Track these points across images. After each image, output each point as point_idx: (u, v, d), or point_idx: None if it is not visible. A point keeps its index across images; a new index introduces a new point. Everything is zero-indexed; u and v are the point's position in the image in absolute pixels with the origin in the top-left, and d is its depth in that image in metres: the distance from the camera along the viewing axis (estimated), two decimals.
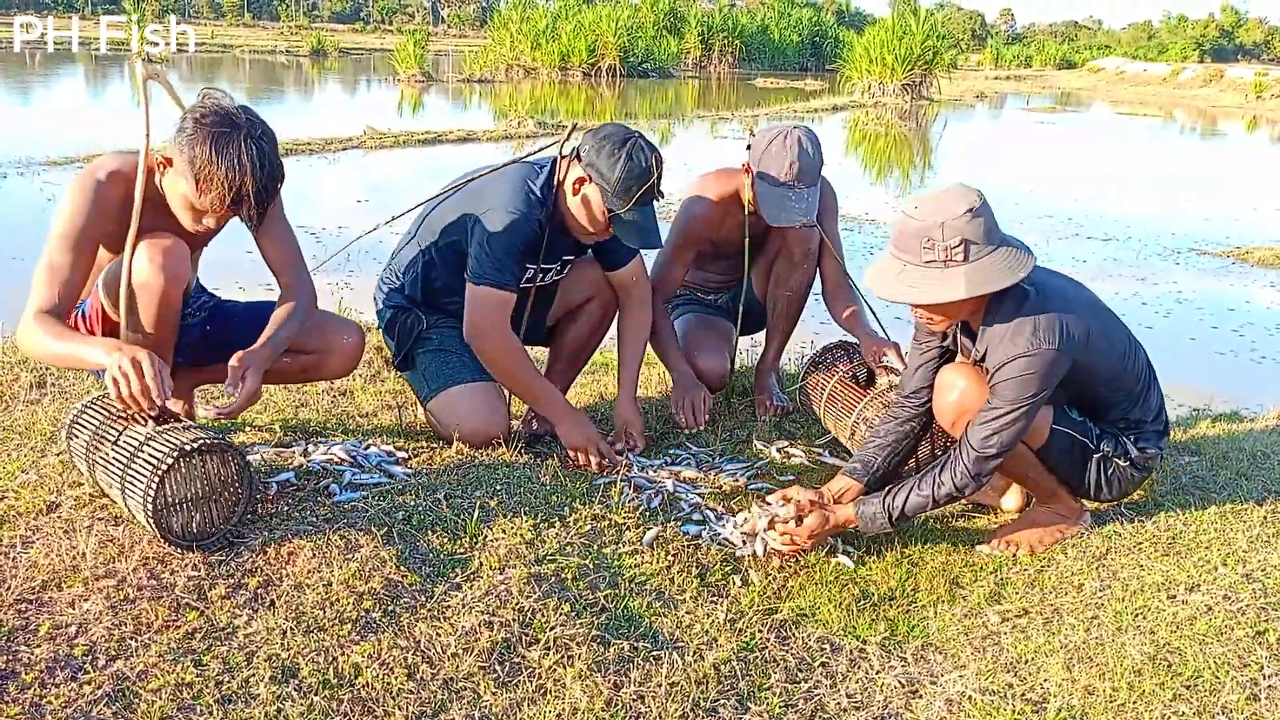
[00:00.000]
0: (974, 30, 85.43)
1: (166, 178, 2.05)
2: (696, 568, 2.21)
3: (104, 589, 1.78)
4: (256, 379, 2.12)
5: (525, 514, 2.22)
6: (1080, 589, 2.17)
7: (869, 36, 25.55)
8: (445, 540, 2.08)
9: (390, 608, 1.84)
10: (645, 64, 29.96)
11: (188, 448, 1.89)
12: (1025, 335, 2.09)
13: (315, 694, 1.62)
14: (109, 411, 2.03)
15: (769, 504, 2.38)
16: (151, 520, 1.86)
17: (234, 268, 4.38)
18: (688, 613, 2.03)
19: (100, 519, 1.99)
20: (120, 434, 1.97)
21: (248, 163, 1.96)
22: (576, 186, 2.57)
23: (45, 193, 7.38)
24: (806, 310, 3.30)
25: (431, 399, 2.68)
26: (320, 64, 30.24)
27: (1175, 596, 2.06)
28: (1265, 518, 2.40)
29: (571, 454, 2.67)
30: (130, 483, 1.89)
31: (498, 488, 2.33)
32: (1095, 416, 2.35)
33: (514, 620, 1.85)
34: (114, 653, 1.64)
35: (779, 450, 2.93)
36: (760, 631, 2.01)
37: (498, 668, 1.75)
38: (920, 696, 1.87)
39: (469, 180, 2.72)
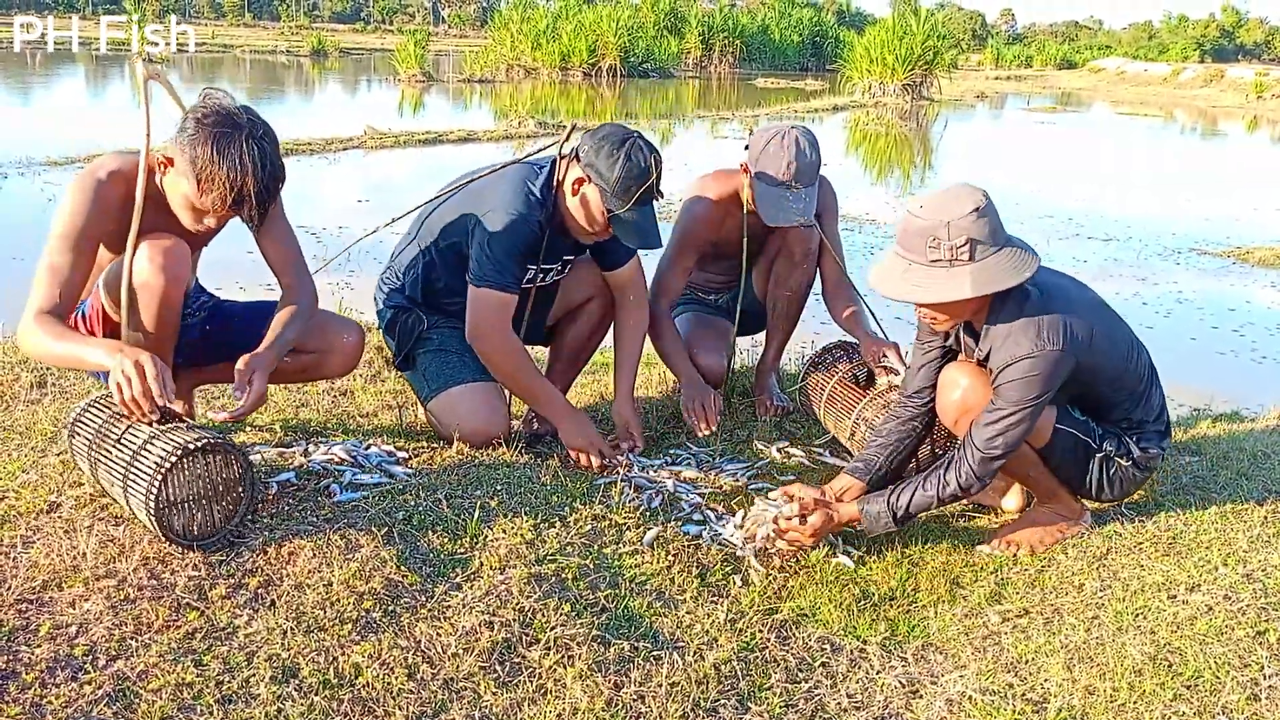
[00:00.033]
0: (974, 30, 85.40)
1: (168, 177, 2.05)
2: (697, 568, 2.21)
3: (104, 589, 1.78)
4: (263, 382, 2.13)
5: (525, 514, 2.22)
6: (1081, 589, 2.17)
7: (869, 36, 25.54)
8: (445, 540, 2.08)
9: (390, 608, 1.85)
10: (646, 64, 29.96)
11: (191, 446, 1.89)
12: (1030, 336, 2.09)
13: (315, 694, 1.62)
14: (112, 411, 2.03)
15: (772, 500, 2.38)
16: (153, 518, 1.86)
17: (234, 268, 4.39)
18: (688, 613, 2.03)
19: (101, 519, 1.99)
20: (123, 432, 1.97)
21: (249, 163, 1.96)
22: (575, 187, 2.57)
23: (45, 193, 7.38)
24: (806, 310, 3.30)
25: (432, 399, 2.68)
26: (321, 64, 30.25)
27: (1176, 596, 2.06)
28: (1266, 518, 2.40)
29: (573, 455, 2.67)
30: (133, 481, 1.89)
31: (498, 488, 2.33)
32: (1097, 416, 2.35)
33: (514, 620, 1.85)
34: (114, 653, 1.64)
35: (779, 450, 2.93)
36: (760, 631, 2.01)
37: (498, 668, 1.75)
38: (920, 696, 1.87)
39: (469, 181, 2.72)
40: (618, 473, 2.60)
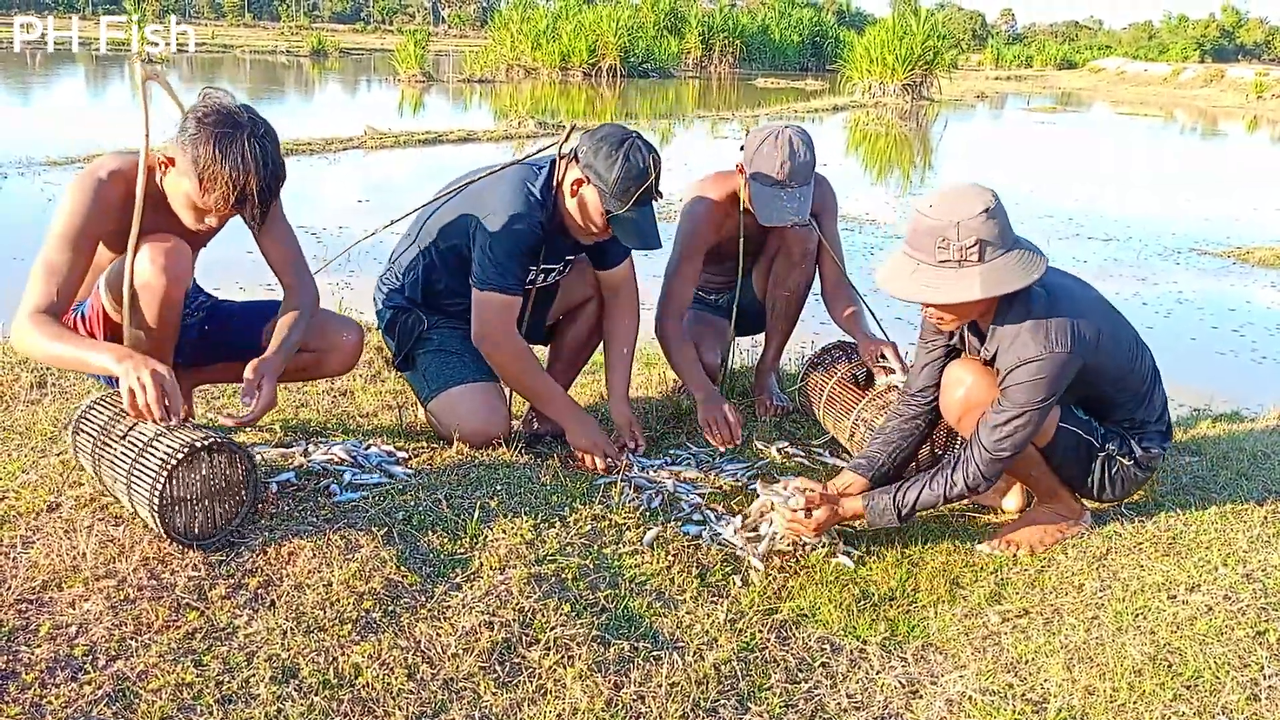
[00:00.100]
0: (974, 30, 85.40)
1: (169, 177, 2.05)
2: (696, 568, 2.21)
3: (104, 589, 1.78)
4: (272, 386, 2.15)
5: (525, 514, 2.22)
6: (1080, 589, 2.17)
7: (869, 37, 25.54)
8: (445, 540, 2.08)
9: (390, 608, 1.85)
10: (646, 64, 29.96)
11: (198, 445, 1.90)
12: (1038, 338, 2.09)
13: (315, 694, 1.62)
14: (117, 409, 2.03)
15: (776, 490, 2.38)
16: (156, 514, 1.86)
17: (234, 268, 4.39)
18: (688, 613, 2.03)
19: (100, 519, 1.99)
20: (129, 430, 1.97)
21: (251, 162, 1.96)
22: (574, 188, 2.57)
23: (45, 193, 7.38)
24: (806, 310, 3.30)
25: (432, 399, 2.68)
26: (321, 64, 30.25)
27: (1175, 597, 2.06)
28: (1265, 518, 2.40)
29: (578, 456, 2.67)
30: (137, 477, 1.89)
31: (498, 488, 2.33)
32: (1100, 416, 2.35)
33: (514, 620, 1.85)
34: (114, 653, 1.64)
35: (779, 450, 2.93)
36: (760, 631, 2.01)
37: (498, 668, 1.75)
38: (920, 696, 1.87)
39: (469, 183, 2.72)
40: (617, 473, 2.60)
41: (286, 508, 2.11)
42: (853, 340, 3.08)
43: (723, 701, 1.78)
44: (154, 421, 1.92)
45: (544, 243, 2.63)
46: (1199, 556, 2.21)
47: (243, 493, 1.99)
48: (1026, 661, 1.94)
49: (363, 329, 2.59)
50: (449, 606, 1.87)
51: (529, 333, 2.88)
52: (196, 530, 1.93)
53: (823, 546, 2.37)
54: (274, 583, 1.87)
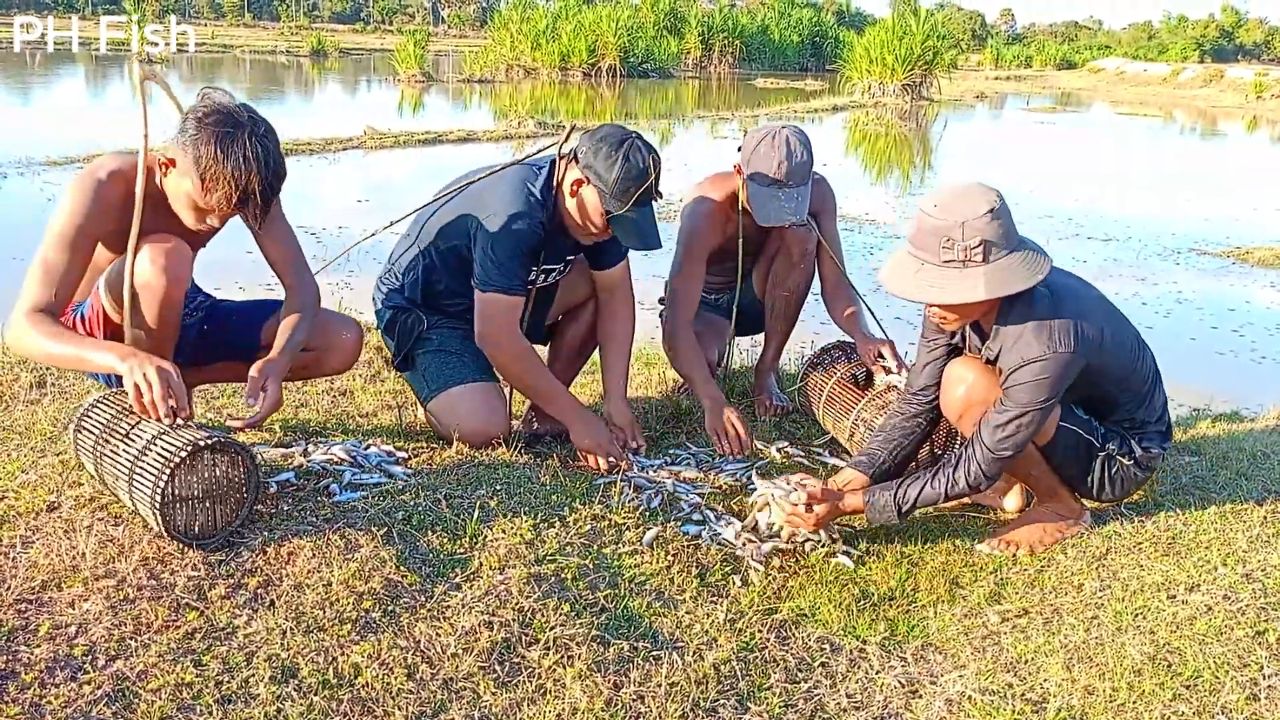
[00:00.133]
0: (974, 30, 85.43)
1: (169, 178, 2.05)
2: (696, 568, 2.21)
3: (104, 589, 1.78)
4: (277, 387, 2.16)
5: (525, 514, 2.22)
6: (1080, 589, 2.17)
7: (869, 37, 25.54)
8: (445, 540, 2.08)
9: (390, 608, 1.85)
10: (645, 64, 29.96)
11: (202, 443, 1.90)
12: (1042, 339, 2.09)
13: (315, 694, 1.62)
14: (122, 408, 2.03)
15: (776, 484, 2.38)
16: (157, 512, 1.86)
17: (234, 268, 4.39)
18: (687, 613, 2.03)
19: (100, 519, 1.99)
20: (132, 427, 1.97)
21: (253, 161, 1.97)
22: (574, 188, 2.57)
23: (45, 193, 7.38)
24: (806, 310, 3.30)
25: (431, 399, 2.68)
26: (320, 64, 30.25)
27: (1175, 596, 2.06)
28: (1265, 518, 2.40)
29: (582, 456, 2.67)
30: (139, 474, 1.89)
31: (498, 488, 2.33)
32: (1101, 416, 2.35)
33: (514, 620, 1.85)
34: (114, 653, 1.64)
35: (779, 450, 2.93)
36: (760, 631, 2.01)
37: (497, 668, 1.75)
38: (920, 696, 1.87)
39: (469, 183, 2.72)
40: (617, 472, 2.60)
41: (286, 508, 2.11)
42: (852, 340, 3.09)
43: (722, 701, 1.78)
44: (159, 419, 1.93)
45: (545, 243, 2.63)
46: (1198, 556, 2.21)
47: (244, 493, 1.99)
48: (1026, 661, 1.94)
49: (362, 327, 2.59)
50: (449, 606, 1.87)
51: (529, 333, 2.88)
52: (197, 530, 1.93)
53: (822, 546, 2.37)
54: (273, 583, 1.87)
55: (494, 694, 1.69)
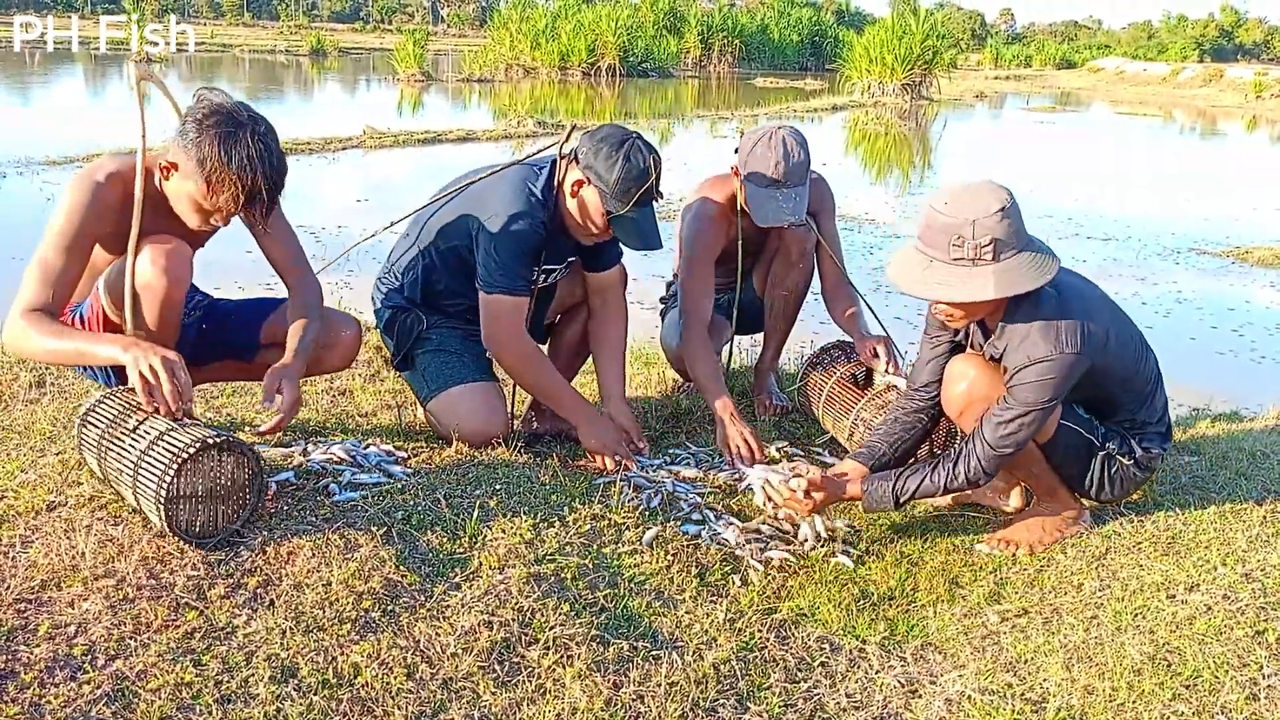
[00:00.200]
0: (974, 30, 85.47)
1: (170, 182, 2.05)
2: (696, 567, 2.21)
3: (103, 589, 1.78)
4: (294, 389, 2.18)
5: (525, 514, 2.21)
6: (1080, 589, 2.17)
7: (869, 36, 25.55)
8: (445, 540, 2.08)
9: (390, 607, 1.84)
10: (645, 64, 29.96)
11: (210, 441, 1.90)
12: (1049, 339, 2.09)
13: (315, 694, 1.62)
14: (129, 404, 2.03)
15: (776, 470, 2.38)
16: (162, 507, 1.86)
17: (234, 268, 4.39)
18: (687, 612, 2.03)
19: (100, 518, 1.99)
20: (140, 423, 1.97)
21: (258, 161, 1.97)
22: (575, 189, 2.56)
23: (45, 193, 7.38)
24: (806, 310, 3.30)
25: (431, 399, 2.67)
26: (320, 64, 30.25)
27: (1175, 596, 2.06)
28: (1265, 518, 2.40)
29: (590, 456, 2.67)
30: (145, 469, 1.89)
31: (497, 487, 2.33)
32: (1102, 416, 2.35)
33: (513, 620, 1.85)
34: (113, 652, 1.64)
35: (779, 450, 2.93)
36: (760, 631, 2.01)
37: (497, 667, 1.75)
38: (920, 696, 1.87)
39: (469, 184, 2.72)
40: (617, 472, 2.60)
41: (286, 507, 2.11)
42: (852, 340, 3.09)
43: (722, 701, 1.78)
44: (165, 407, 1.93)
45: (546, 243, 2.62)
46: (1198, 556, 2.21)
47: (246, 495, 1.99)
48: (1025, 661, 1.94)
49: (361, 325, 2.59)
50: (448, 606, 1.87)
51: (529, 332, 2.88)
52: (198, 528, 1.93)
53: (822, 546, 2.38)
54: (273, 582, 1.86)
55: (494, 694, 1.69)
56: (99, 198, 2.04)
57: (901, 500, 2.29)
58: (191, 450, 1.87)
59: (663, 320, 3.38)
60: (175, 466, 1.85)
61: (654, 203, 2.58)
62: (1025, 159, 14.65)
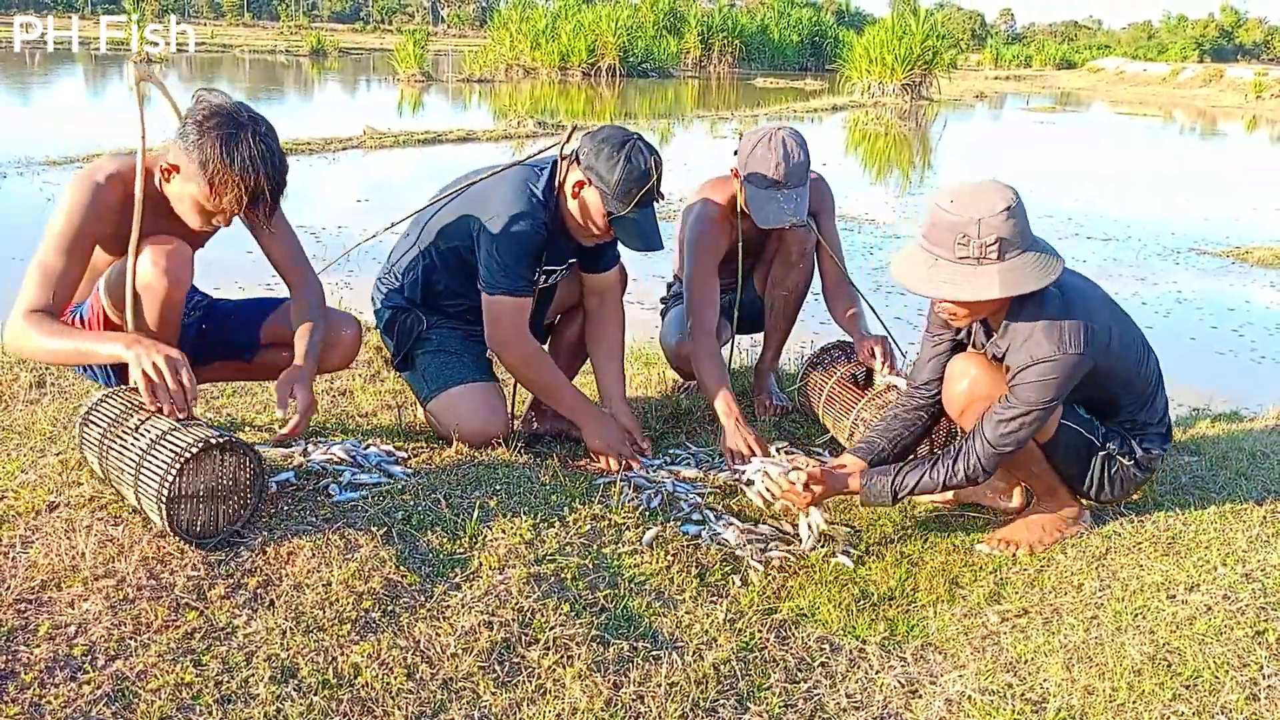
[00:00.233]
0: (974, 30, 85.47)
1: (171, 184, 2.05)
2: (696, 568, 2.21)
3: (103, 589, 1.78)
4: (308, 392, 2.19)
5: (525, 514, 2.22)
6: (1080, 589, 2.17)
7: (869, 36, 25.55)
8: (445, 540, 2.08)
9: (390, 608, 1.84)
10: (645, 64, 29.96)
11: (213, 441, 1.90)
12: (1052, 339, 2.09)
13: (315, 694, 1.62)
14: (131, 403, 2.03)
15: (774, 462, 2.38)
16: (163, 506, 1.86)
17: (234, 268, 4.39)
18: (687, 613, 2.03)
19: (100, 519, 1.99)
20: (142, 422, 1.97)
21: (260, 161, 1.98)
22: (575, 190, 2.56)
23: (45, 193, 7.38)
24: (806, 310, 3.30)
25: (431, 399, 2.68)
26: (320, 64, 30.25)
27: (1175, 596, 2.06)
28: (1265, 518, 2.40)
29: (594, 456, 2.67)
30: (147, 468, 1.89)
31: (497, 488, 2.33)
32: (1102, 416, 2.35)
33: (514, 620, 1.85)
34: (113, 653, 1.64)
35: (779, 450, 2.93)
36: (760, 631, 2.01)
37: (497, 668, 1.75)
38: (920, 696, 1.87)
39: (469, 184, 2.71)
40: (617, 472, 2.60)
41: (286, 507, 2.11)
42: (852, 340, 3.09)
43: (722, 701, 1.78)
44: (168, 406, 1.93)
45: (547, 244, 2.62)
46: (1198, 556, 2.21)
47: (247, 496, 1.99)
48: (1026, 661, 1.94)
49: (361, 324, 2.59)
50: (448, 606, 1.87)
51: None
52: (199, 529, 1.93)
53: (822, 546, 2.38)
54: (273, 582, 1.86)
55: (494, 694, 1.69)
56: (99, 198, 2.04)
57: (900, 495, 2.29)
58: (194, 450, 1.87)
59: (663, 320, 3.38)
60: (177, 466, 1.86)
61: (655, 203, 2.58)
62: (1025, 159, 14.65)
